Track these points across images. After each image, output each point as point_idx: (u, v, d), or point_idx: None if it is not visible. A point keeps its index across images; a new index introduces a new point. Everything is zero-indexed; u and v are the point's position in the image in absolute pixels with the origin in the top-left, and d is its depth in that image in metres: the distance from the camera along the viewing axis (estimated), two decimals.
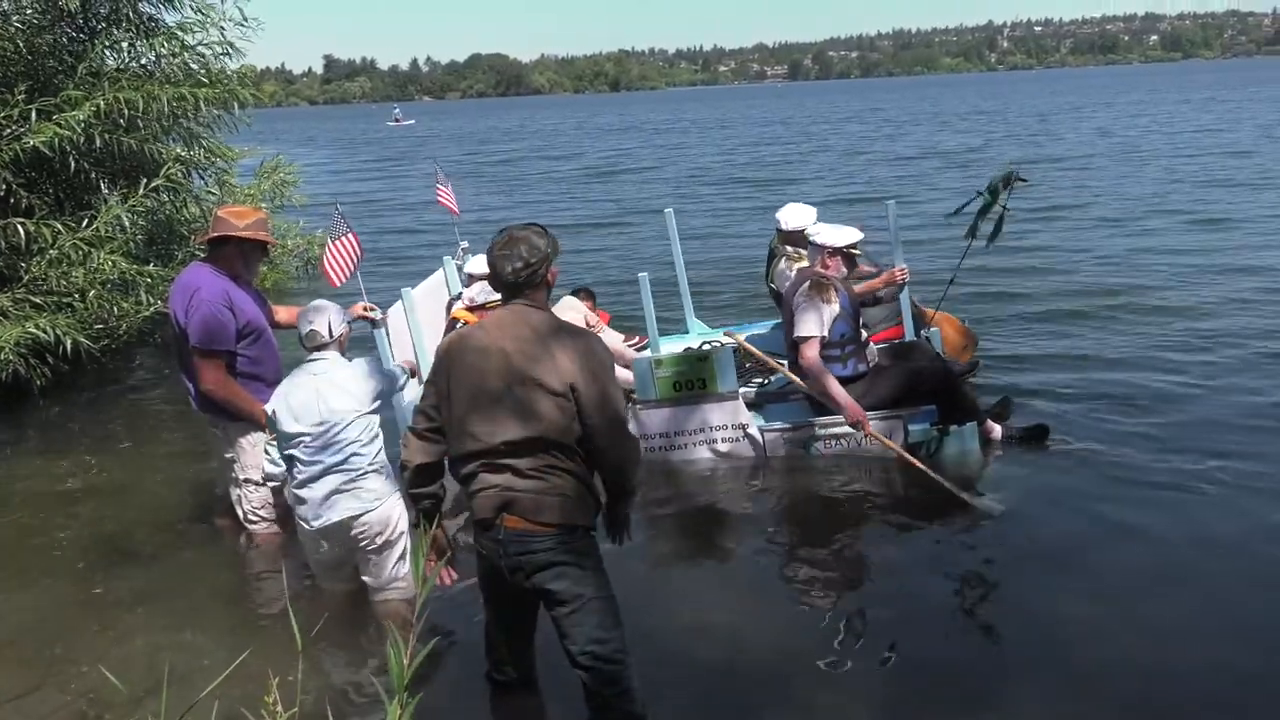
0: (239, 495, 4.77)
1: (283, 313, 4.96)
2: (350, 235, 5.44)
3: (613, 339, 6.43)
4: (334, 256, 5.36)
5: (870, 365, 5.50)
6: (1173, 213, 13.99)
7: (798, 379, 5.53)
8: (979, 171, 19.89)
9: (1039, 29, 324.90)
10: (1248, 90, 57.05)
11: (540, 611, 3.25)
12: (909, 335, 5.99)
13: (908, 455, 5.18)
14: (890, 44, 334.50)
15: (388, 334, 5.43)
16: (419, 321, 5.84)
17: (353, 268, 5.39)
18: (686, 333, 7.22)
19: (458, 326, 5.39)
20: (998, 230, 5.97)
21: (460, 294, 6.28)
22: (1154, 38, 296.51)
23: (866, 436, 5.26)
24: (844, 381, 5.34)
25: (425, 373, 5.95)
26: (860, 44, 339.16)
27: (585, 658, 3.06)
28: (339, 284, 5.43)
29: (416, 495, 3.19)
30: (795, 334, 5.32)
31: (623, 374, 5.32)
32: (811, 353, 5.27)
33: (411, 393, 5.19)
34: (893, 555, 4.60)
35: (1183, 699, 3.37)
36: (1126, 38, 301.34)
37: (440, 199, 7.66)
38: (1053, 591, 4.10)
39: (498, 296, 5.35)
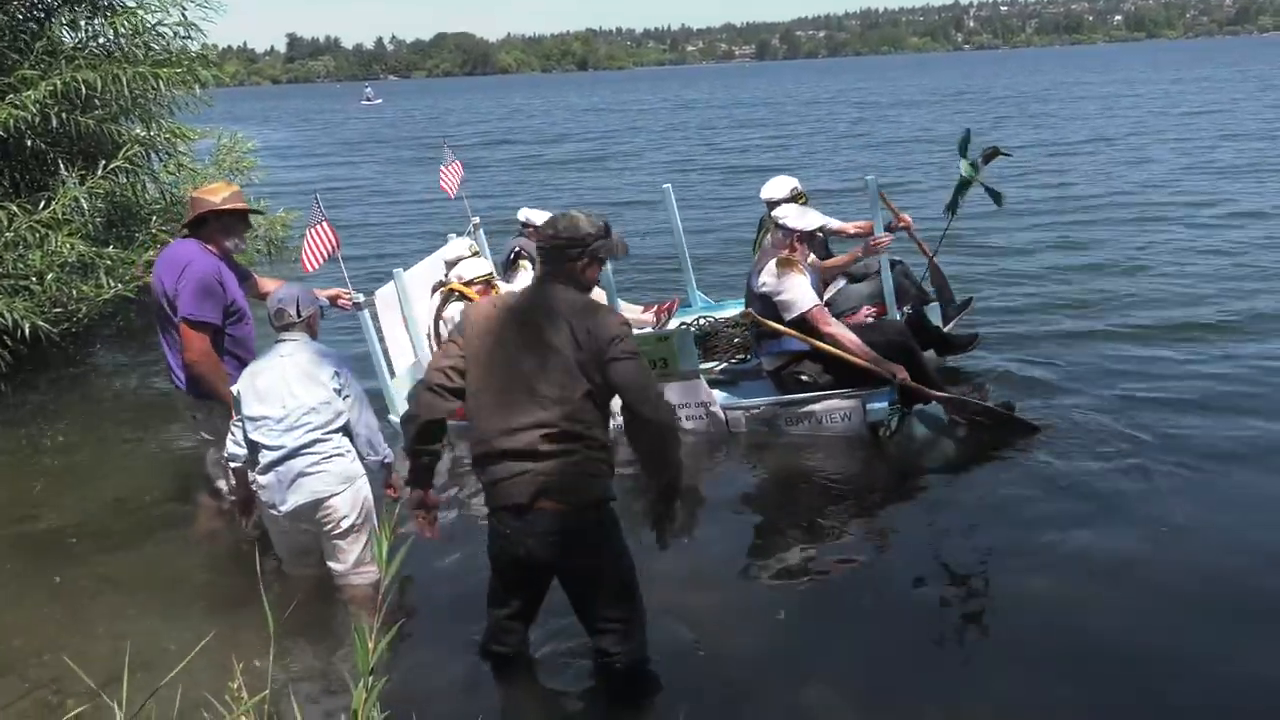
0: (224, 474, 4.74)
1: (270, 285, 4.96)
2: (325, 223, 5.65)
3: (630, 310, 6.84)
4: (311, 243, 5.57)
5: None
6: (1213, 204, 13.01)
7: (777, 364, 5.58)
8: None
9: (1005, 9, 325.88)
10: (1230, 70, 55.87)
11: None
12: (891, 314, 6.03)
13: (951, 394, 5.36)
14: (857, 23, 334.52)
15: (374, 316, 5.64)
16: (411, 301, 6.02)
17: (327, 254, 5.60)
18: (689, 306, 7.30)
19: (452, 299, 5.79)
20: (956, 199, 6.30)
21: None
22: (1118, 18, 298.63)
23: (904, 386, 5.34)
24: (804, 356, 5.41)
25: (398, 360, 6.10)
26: (828, 23, 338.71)
27: (602, 624, 3.24)
28: (310, 269, 5.63)
29: (419, 451, 3.21)
30: (799, 312, 5.32)
31: None
32: (826, 315, 5.36)
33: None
34: (858, 532, 4.65)
35: (1158, 686, 3.43)
36: (1091, 18, 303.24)
37: (442, 177, 7.76)
38: (1020, 570, 4.16)
39: (484, 272, 5.72)
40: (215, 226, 4.51)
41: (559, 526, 3.06)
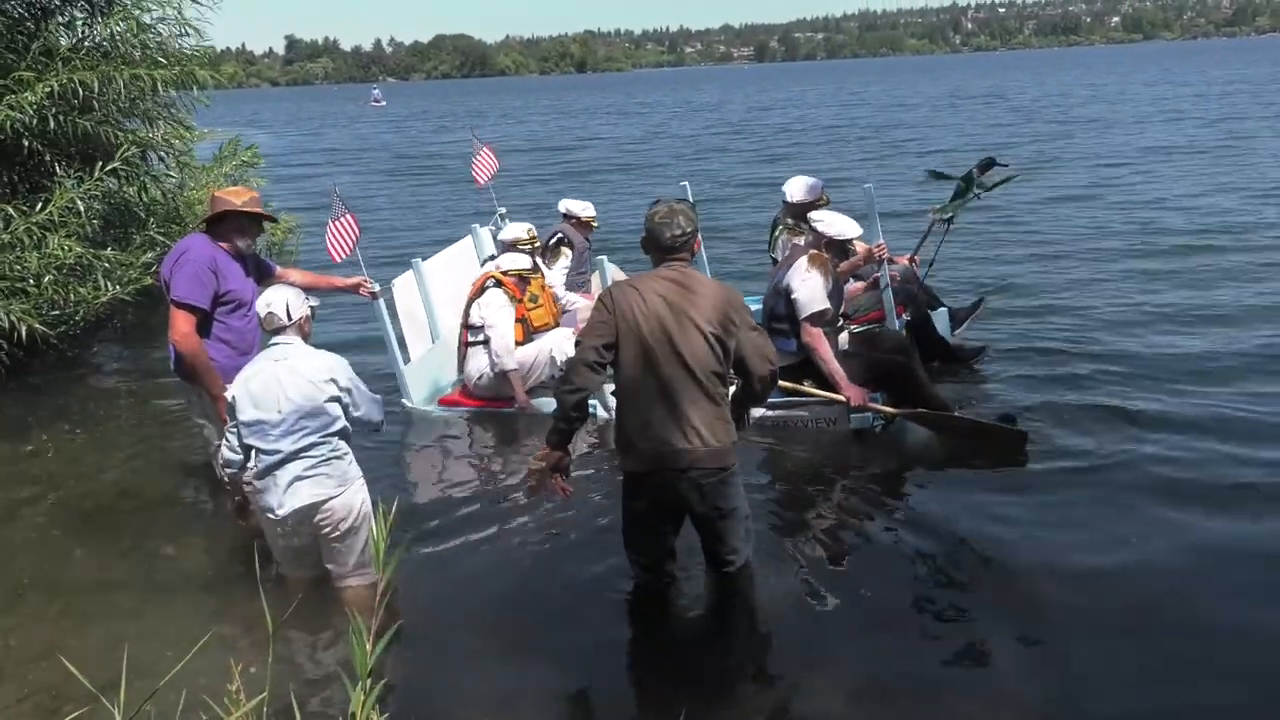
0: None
1: (295, 275, 5.18)
2: (349, 216, 5.88)
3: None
4: (334, 236, 5.81)
5: (840, 350, 5.57)
6: None
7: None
8: (1066, 168, 17.24)
9: (1002, 10, 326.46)
10: (1246, 71, 53.53)
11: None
12: (890, 321, 6.03)
13: (919, 410, 5.37)
14: (856, 25, 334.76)
15: (390, 305, 6.04)
16: (429, 290, 6.52)
17: (352, 245, 5.84)
18: None
19: (488, 286, 6.21)
20: (958, 204, 6.51)
21: (490, 257, 6.90)
22: (1115, 19, 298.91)
23: (866, 412, 5.41)
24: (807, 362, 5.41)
25: (410, 341, 6.44)
26: (826, 25, 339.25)
27: (731, 554, 3.80)
28: (339, 260, 5.88)
29: (572, 417, 3.63)
30: (808, 312, 5.36)
31: None
32: (817, 330, 5.38)
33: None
34: (840, 534, 4.63)
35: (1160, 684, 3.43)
36: (1089, 19, 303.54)
37: (475, 165, 7.94)
38: (1003, 581, 4.13)
39: (525, 265, 6.21)
40: (232, 225, 4.78)
41: (703, 472, 3.59)
